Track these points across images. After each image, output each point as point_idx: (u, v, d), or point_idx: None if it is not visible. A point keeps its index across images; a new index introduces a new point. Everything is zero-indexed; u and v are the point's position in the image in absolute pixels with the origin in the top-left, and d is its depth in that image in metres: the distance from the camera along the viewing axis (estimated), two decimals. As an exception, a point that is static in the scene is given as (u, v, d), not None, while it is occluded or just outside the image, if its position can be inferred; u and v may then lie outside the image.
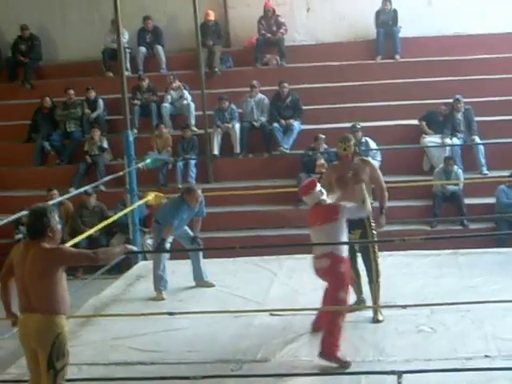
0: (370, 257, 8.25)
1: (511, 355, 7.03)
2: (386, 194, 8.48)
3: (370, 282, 8.35)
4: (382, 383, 6.48)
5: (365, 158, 9.00)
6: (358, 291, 8.45)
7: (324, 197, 7.55)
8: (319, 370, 7.06)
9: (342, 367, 7.06)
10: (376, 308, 8.25)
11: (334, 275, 7.29)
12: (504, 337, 7.43)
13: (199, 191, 9.62)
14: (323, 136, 14.13)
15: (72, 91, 16.45)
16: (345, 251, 7.39)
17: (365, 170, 8.31)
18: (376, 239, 8.36)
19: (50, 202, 11.80)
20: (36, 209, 5.83)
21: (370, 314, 8.24)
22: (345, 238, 7.48)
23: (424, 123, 14.79)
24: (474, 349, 7.22)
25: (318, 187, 7.55)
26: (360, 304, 8.41)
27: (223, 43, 17.63)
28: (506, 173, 13.35)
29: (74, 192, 12.42)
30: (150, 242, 12.92)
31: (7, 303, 5.99)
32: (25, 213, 8.93)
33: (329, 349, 7.17)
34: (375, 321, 8.21)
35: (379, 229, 8.36)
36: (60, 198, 12.25)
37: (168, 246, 9.52)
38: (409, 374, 6.27)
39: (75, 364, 7.42)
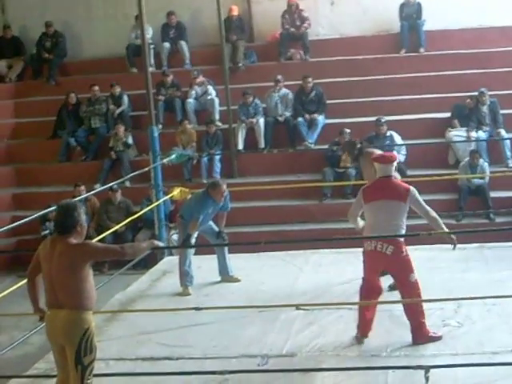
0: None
1: (538, 349, 7.01)
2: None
3: None
4: (409, 378, 6.47)
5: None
6: None
7: (395, 174, 7.64)
8: (346, 364, 7.06)
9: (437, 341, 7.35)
10: None
11: (400, 261, 7.36)
12: (531, 331, 7.41)
13: (224, 186, 9.62)
14: (348, 130, 14.09)
15: (97, 87, 16.51)
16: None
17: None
18: None
19: (77, 198, 11.95)
20: (66, 204, 5.87)
21: (395, 306, 8.22)
22: (405, 222, 7.50)
23: (456, 121, 14.68)
24: (501, 343, 7.19)
25: (396, 163, 7.64)
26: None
27: (247, 38, 17.63)
28: (532, 166, 13.27)
29: (99, 188, 12.48)
30: (175, 237, 12.96)
31: (35, 299, 6.02)
32: (51, 209, 9.00)
33: (422, 334, 7.38)
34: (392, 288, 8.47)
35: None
36: (86, 194, 12.35)
37: (193, 241, 9.54)
38: (436, 369, 6.24)
39: (102, 359, 7.47)
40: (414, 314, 7.41)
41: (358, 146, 8.94)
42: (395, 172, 7.71)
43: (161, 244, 7.18)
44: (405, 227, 7.50)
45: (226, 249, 9.75)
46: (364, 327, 7.57)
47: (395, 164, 7.62)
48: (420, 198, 7.55)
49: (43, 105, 17.17)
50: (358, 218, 7.81)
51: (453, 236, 7.55)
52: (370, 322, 7.58)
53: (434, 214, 7.58)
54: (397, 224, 7.40)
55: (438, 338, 7.39)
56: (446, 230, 7.62)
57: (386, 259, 7.33)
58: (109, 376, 6.98)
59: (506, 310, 7.88)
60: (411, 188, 7.53)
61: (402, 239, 7.38)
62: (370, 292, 7.57)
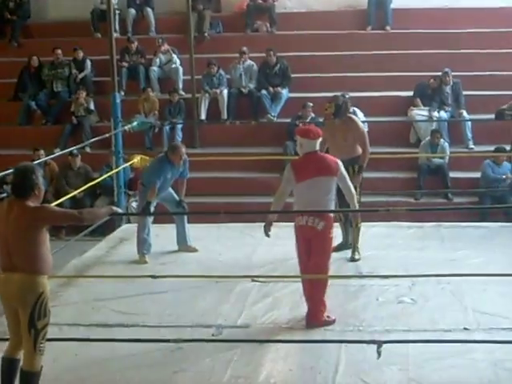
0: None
1: (490, 328, 7.09)
2: (368, 151, 9.07)
3: (351, 225, 9.11)
4: (362, 352, 6.52)
5: (352, 116, 9.21)
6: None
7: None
8: (299, 336, 7.10)
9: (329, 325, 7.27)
10: (354, 248, 9.09)
11: (326, 239, 7.26)
12: (483, 310, 7.48)
13: (183, 149, 9.57)
14: (311, 104, 14.10)
15: (59, 51, 16.33)
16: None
17: (351, 128, 8.92)
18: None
19: (36, 162, 11.82)
20: (24, 167, 5.78)
21: (351, 281, 8.29)
22: (333, 194, 7.43)
23: (418, 99, 14.75)
24: (454, 321, 7.27)
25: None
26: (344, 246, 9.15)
27: (214, 8, 17.55)
28: (492, 148, 13.35)
29: (59, 152, 12.37)
30: (134, 204, 12.91)
31: None
32: (9, 171, 8.89)
33: (316, 317, 7.28)
34: (352, 259, 9.02)
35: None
36: (45, 158, 12.23)
37: (152, 209, 9.49)
38: (388, 344, 6.29)
39: (56, 324, 7.40)
40: (317, 299, 7.29)
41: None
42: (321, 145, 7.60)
43: (119, 210, 7.10)
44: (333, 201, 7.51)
45: (186, 218, 9.71)
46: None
47: (321, 138, 7.43)
48: (345, 172, 7.53)
49: (5, 66, 16.94)
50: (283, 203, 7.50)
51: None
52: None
53: (353, 190, 7.60)
54: (329, 199, 7.31)
55: (332, 322, 7.28)
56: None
57: (315, 234, 7.17)
58: (62, 341, 6.93)
59: (459, 288, 7.96)
60: (339, 161, 7.42)
61: (331, 216, 7.34)
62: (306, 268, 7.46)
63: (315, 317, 7.30)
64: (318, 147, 7.38)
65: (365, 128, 9.31)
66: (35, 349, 5.66)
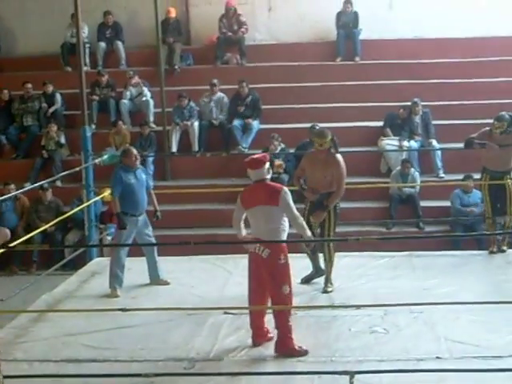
0: (326, 235, 8.91)
1: (462, 357, 7.10)
2: (340, 193, 8.94)
3: (324, 259, 9.06)
4: (335, 383, 6.50)
5: (336, 154, 9.10)
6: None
7: (269, 176, 7.51)
8: (272, 368, 7.07)
9: (301, 356, 7.22)
10: (327, 280, 9.08)
11: (275, 267, 7.25)
12: (456, 339, 7.50)
13: (135, 151, 9.65)
14: (276, 135, 14.19)
15: (29, 85, 16.30)
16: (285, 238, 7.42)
17: (333, 165, 8.90)
18: (335, 218, 8.99)
19: (5, 196, 11.77)
20: None
21: (323, 312, 8.27)
22: (285, 224, 7.40)
23: (388, 129, 14.85)
24: (426, 350, 7.28)
25: (268, 164, 7.50)
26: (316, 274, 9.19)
27: (184, 41, 17.60)
28: (462, 176, 13.45)
29: (29, 186, 12.31)
30: (109, 238, 12.86)
31: None
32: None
33: (286, 346, 7.27)
34: (324, 291, 9.00)
35: (315, 220, 8.87)
36: (16, 192, 12.18)
37: (129, 242, 9.45)
38: (361, 375, 6.28)
39: (26, 360, 7.39)
40: (282, 326, 7.31)
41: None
42: (269, 172, 7.53)
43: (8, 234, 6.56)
44: (286, 230, 7.42)
45: (156, 251, 9.67)
46: (254, 334, 7.57)
47: (267, 166, 7.45)
48: (291, 202, 7.38)
49: (-26, 101, 16.87)
50: (242, 226, 7.66)
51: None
52: (261, 328, 7.57)
53: (301, 220, 7.54)
54: (275, 228, 7.32)
55: (304, 353, 7.27)
56: (311, 238, 7.89)
57: (262, 262, 7.26)
58: (32, 377, 6.86)
59: (432, 317, 7.97)
60: (283, 190, 7.36)
61: (283, 245, 7.33)
62: (251, 296, 7.52)
63: (283, 344, 7.30)
64: (263, 176, 7.42)
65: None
66: None
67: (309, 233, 7.63)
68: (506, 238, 10.58)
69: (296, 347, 7.31)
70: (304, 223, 7.60)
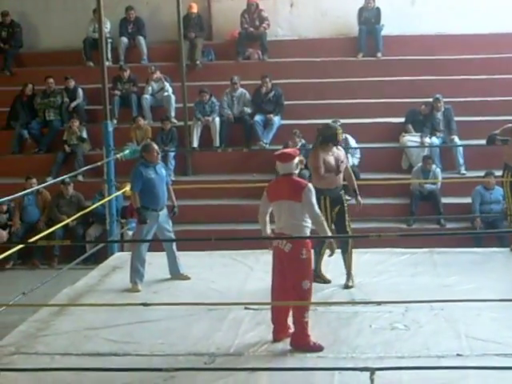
0: (345, 227, 8.96)
1: (483, 354, 7.07)
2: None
3: (344, 251, 9.00)
4: (355, 379, 6.48)
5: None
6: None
7: (297, 171, 7.51)
8: (292, 364, 7.06)
9: (316, 352, 7.22)
10: (348, 275, 9.04)
11: (296, 262, 7.25)
12: (477, 336, 7.46)
13: (156, 146, 9.68)
14: (297, 131, 14.18)
15: (51, 80, 16.37)
16: (308, 234, 7.42)
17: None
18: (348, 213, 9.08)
19: (28, 191, 11.84)
20: None
21: (344, 308, 8.26)
22: (308, 220, 7.38)
23: (410, 126, 14.80)
24: (447, 347, 7.25)
25: (297, 160, 7.49)
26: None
27: (205, 36, 17.61)
28: (483, 173, 13.39)
29: (51, 181, 12.37)
30: (130, 233, 12.88)
31: None
32: (2, 200, 8.93)
33: (301, 341, 7.27)
34: (346, 286, 8.99)
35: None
36: (38, 187, 12.21)
37: (149, 237, 9.48)
38: (381, 371, 6.27)
39: (48, 353, 7.42)
40: (298, 322, 7.34)
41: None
42: (297, 168, 7.51)
43: None
44: (309, 226, 7.40)
45: (175, 247, 9.69)
46: (275, 330, 7.56)
47: (296, 161, 7.45)
48: (313, 200, 7.35)
49: (-3, 95, 16.98)
50: (267, 221, 7.63)
51: (334, 244, 7.67)
52: (283, 324, 7.56)
53: (322, 219, 7.46)
54: (297, 224, 7.31)
55: (319, 349, 7.27)
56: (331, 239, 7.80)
57: (284, 256, 7.27)
58: (54, 371, 6.91)
59: (452, 314, 7.94)
60: (307, 187, 7.33)
61: (306, 240, 7.32)
62: (274, 291, 7.52)
63: (297, 339, 7.31)
64: (291, 170, 7.42)
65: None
66: None
67: (329, 233, 7.62)
68: None
69: (311, 343, 7.30)
70: (325, 222, 7.53)
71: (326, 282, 9.12)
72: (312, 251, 7.56)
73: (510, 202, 10.53)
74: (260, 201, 7.72)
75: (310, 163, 9.10)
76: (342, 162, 8.91)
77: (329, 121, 14.13)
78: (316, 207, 7.39)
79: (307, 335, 7.31)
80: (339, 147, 9.04)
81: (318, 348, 7.29)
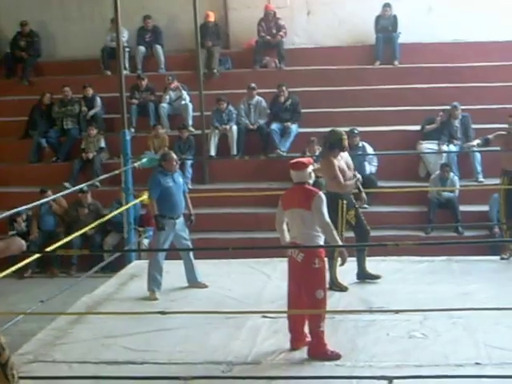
0: (365, 225, 9.30)
1: (502, 363, 7.02)
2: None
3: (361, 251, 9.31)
4: (373, 388, 6.48)
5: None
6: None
7: (311, 181, 7.53)
8: (310, 372, 7.05)
9: (333, 360, 7.20)
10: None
11: (309, 272, 7.24)
12: (495, 345, 7.42)
13: (175, 156, 9.73)
14: (315, 139, 14.18)
15: (67, 88, 16.45)
16: (321, 243, 7.40)
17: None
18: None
19: (47, 199, 11.89)
20: None
21: (361, 317, 8.24)
22: (319, 229, 7.35)
23: (427, 133, 14.78)
24: (465, 356, 7.21)
25: (311, 168, 7.51)
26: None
27: (222, 44, 17.66)
28: (501, 181, 13.33)
29: (69, 190, 12.41)
30: (146, 241, 12.92)
31: None
32: (20, 209, 8.97)
33: (318, 351, 7.27)
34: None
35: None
36: (57, 195, 12.23)
37: (166, 245, 9.51)
38: (399, 380, 6.26)
39: (65, 362, 7.44)
40: (313, 332, 7.34)
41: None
42: (311, 177, 7.56)
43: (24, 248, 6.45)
44: (321, 235, 7.37)
45: (192, 254, 9.71)
46: (292, 338, 7.55)
47: (309, 169, 7.47)
48: (323, 209, 7.31)
49: (16, 104, 17.09)
50: (284, 229, 7.64)
51: (345, 253, 7.56)
52: (300, 333, 7.55)
53: (331, 228, 7.38)
54: (308, 232, 7.32)
55: (336, 357, 7.24)
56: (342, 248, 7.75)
57: (297, 266, 7.27)
58: (72, 379, 6.94)
59: (471, 323, 7.91)
60: (317, 195, 7.33)
61: (319, 250, 7.32)
62: (290, 300, 7.52)
63: (315, 350, 7.30)
64: (304, 179, 7.45)
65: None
66: (8, 379, 5.63)
67: (339, 241, 7.61)
68: None
69: (328, 352, 7.28)
70: (334, 232, 7.45)
71: (343, 290, 9.12)
72: (326, 260, 7.55)
73: (502, 209, 10.59)
74: (277, 208, 7.72)
75: (323, 172, 9.13)
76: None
77: (346, 129, 14.26)
78: (325, 216, 7.34)
79: (324, 344, 7.30)
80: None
81: (335, 356, 7.27)
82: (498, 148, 10.97)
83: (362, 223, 9.33)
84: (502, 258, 10.49)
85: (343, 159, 9.09)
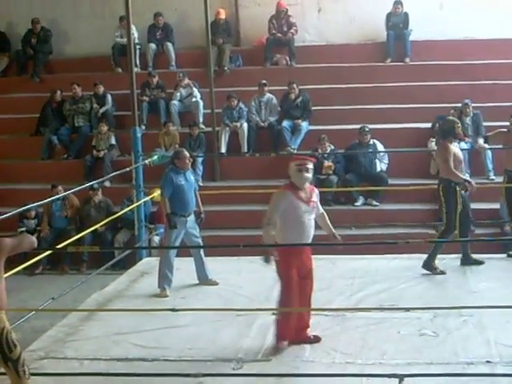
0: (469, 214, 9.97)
1: (513, 361, 7.03)
2: None
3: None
4: (383, 386, 6.47)
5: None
6: None
7: (293, 178, 7.75)
8: (321, 370, 7.05)
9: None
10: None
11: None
12: (506, 343, 7.40)
13: (188, 154, 9.74)
14: (325, 136, 14.16)
15: (77, 86, 16.47)
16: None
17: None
18: None
19: (57, 196, 11.92)
20: None
21: (372, 314, 8.23)
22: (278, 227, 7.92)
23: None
24: (476, 354, 7.20)
25: (294, 164, 7.71)
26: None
27: (233, 42, 17.66)
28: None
29: (80, 187, 12.42)
30: (156, 239, 12.93)
31: None
32: (30, 206, 8.99)
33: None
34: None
35: None
36: (67, 192, 12.26)
37: (177, 243, 9.51)
38: (410, 378, 6.25)
39: (77, 358, 7.47)
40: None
41: None
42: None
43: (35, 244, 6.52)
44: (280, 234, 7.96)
45: (202, 251, 9.72)
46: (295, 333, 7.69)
47: (293, 165, 7.67)
48: (271, 204, 7.97)
49: (27, 101, 17.13)
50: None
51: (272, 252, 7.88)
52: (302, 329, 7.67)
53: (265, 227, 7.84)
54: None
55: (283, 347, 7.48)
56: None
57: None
58: (83, 375, 6.96)
59: (481, 321, 7.89)
60: (277, 192, 7.86)
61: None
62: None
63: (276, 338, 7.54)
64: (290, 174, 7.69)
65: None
66: (19, 376, 5.65)
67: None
68: None
69: (279, 344, 7.49)
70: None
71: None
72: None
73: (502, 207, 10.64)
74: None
75: (438, 156, 9.71)
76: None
77: (357, 126, 14.27)
78: (272, 211, 7.93)
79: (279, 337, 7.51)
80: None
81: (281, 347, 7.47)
82: (500, 146, 11.02)
83: (467, 210, 9.91)
84: (509, 256, 10.46)
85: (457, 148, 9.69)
